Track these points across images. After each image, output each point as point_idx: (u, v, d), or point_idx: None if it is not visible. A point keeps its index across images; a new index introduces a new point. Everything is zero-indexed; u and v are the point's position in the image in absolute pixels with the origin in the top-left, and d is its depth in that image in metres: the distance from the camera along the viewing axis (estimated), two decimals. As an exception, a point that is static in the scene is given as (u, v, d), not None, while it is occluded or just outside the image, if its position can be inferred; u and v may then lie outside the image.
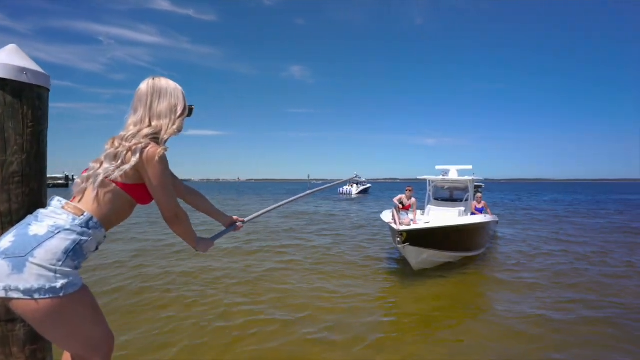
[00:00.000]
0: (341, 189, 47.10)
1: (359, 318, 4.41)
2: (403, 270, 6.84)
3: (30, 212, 1.43)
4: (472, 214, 9.47)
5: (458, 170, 10.71)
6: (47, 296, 1.07)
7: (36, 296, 1.06)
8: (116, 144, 1.26)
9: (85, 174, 1.26)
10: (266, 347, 3.60)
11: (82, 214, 1.19)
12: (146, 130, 1.28)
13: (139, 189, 1.28)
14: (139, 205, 1.35)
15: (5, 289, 1.05)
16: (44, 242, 1.10)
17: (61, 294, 1.10)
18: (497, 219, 10.36)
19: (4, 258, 1.07)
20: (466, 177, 10.11)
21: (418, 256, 6.47)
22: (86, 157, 1.35)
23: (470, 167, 10.76)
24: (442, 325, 4.36)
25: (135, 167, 1.24)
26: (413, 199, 7.81)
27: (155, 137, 1.30)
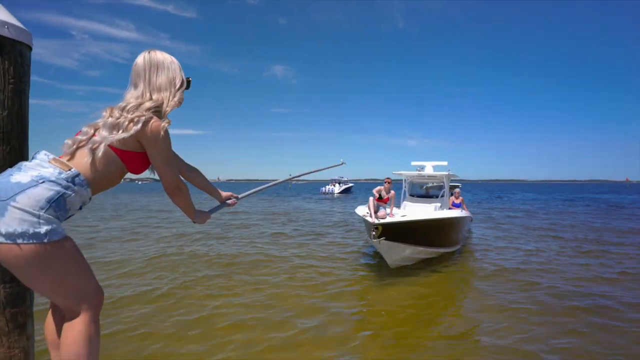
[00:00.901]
0: (323, 188, 47.47)
1: (325, 328, 3.96)
2: (378, 268, 6.45)
3: (12, 171, 1.41)
4: (449, 209, 9.27)
5: (434, 166, 10.53)
6: (30, 241, 1.05)
7: (19, 241, 1.03)
8: (116, 114, 1.24)
9: (78, 137, 1.24)
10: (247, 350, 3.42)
11: (69, 170, 1.16)
12: (148, 104, 1.28)
13: (134, 158, 1.27)
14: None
15: None
16: (27, 189, 1.06)
17: (45, 240, 1.07)
18: (471, 216, 10.28)
19: None
20: (442, 173, 9.88)
21: (394, 252, 6.03)
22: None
23: (445, 163, 10.53)
24: (413, 341, 3.76)
25: (136, 137, 1.23)
26: (392, 192, 7.31)
27: (156, 111, 1.30)
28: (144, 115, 1.23)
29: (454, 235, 7.62)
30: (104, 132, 1.22)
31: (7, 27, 1.34)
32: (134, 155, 1.26)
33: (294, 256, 7.59)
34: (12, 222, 1.03)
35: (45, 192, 1.08)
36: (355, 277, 6.06)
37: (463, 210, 8.93)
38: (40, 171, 1.12)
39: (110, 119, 1.23)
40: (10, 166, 1.39)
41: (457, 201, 9.69)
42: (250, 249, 8.28)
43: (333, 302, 4.81)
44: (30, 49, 1.47)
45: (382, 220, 5.79)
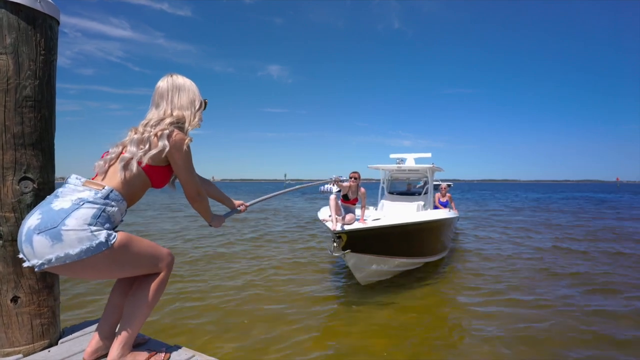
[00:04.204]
0: (322, 187, 47.84)
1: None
2: (347, 286, 5.25)
3: (42, 138, 1.49)
4: (435, 207, 8.14)
5: (415, 159, 9.18)
6: (97, 252, 1.16)
7: (87, 256, 1.15)
8: (140, 129, 1.34)
9: (107, 157, 1.32)
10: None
11: (103, 188, 1.25)
12: (169, 119, 1.37)
13: (158, 172, 1.36)
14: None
15: (58, 259, 1.12)
16: (71, 212, 1.15)
17: (109, 245, 1.19)
18: (458, 215, 8.99)
19: (39, 233, 1.11)
20: (425, 166, 8.41)
21: (364, 266, 4.82)
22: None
23: (429, 154, 9.17)
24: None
25: (163, 152, 1.33)
26: (362, 190, 5.59)
27: (178, 127, 1.39)
28: (166, 129, 1.33)
29: (440, 241, 6.45)
30: (132, 148, 1.31)
31: (40, 2, 1.42)
32: (158, 169, 1.36)
33: (254, 267, 6.46)
34: (73, 243, 1.12)
35: (88, 211, 1.18)
36: (321, 293, 4.99)
37: (451, 210, 7.67)
38: (77, 195, 1.20)
39: (135, 135, 1.33)
40: (41, 132, 1.48)
41: (444, 199, 8.37)
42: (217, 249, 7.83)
43: (292, 325, 3.92)
44: (58, 23, 1.55)
45: (345, 227, 4.52)
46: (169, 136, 1.31)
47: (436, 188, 9.18)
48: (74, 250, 1.12)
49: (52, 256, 1.11)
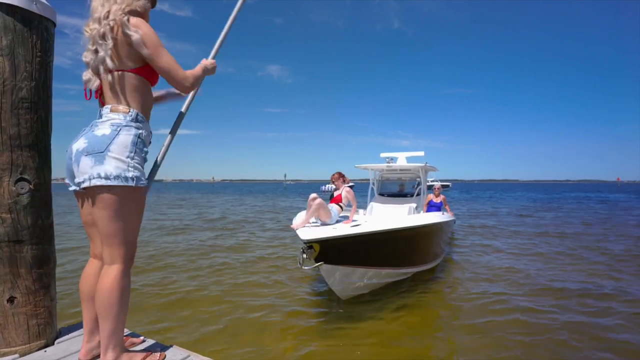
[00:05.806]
0: (324, 187, 47.82)
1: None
2: (328, 298, 4.62)
3: (39, 139, 1.51)
4: (429, 209, 7.68)
5: (407, 157, 8.66)
6: (120, 183, 1.23)
7: (113, 182, 1.22)
8: (95, 25, 1.28)
9: (90, 70, 1.33)
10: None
11: (129, 111, 1.32)
12: (115, 7, 1.29)
13: (149, 69, 1.36)
14: None
15: (90, 178, 1.22)
16: (114, 138, 1.25)
17: (131, 184, 1.26)
18: (454, 218, 8.23)
19: (86, 155, 1.23)
20: (417, 165, 7.83)
21: (343, 279, 4.19)
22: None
23: (422, 153, 8.68)
24: None
25: (134, 46, 1.28)
26: (346, 188, 4.87)
27: (130, 11, 1.33)
28: (124, 16, 1.28)
29: (432, 248, 5.77)
30: (100, 52, 1.27)
31: (35, 3, 1.43)
32: (148, 67, 1.35)
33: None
34: (109, 167, 1.23)
35: (127, 137, 1.28)
36: (299, 302, 4.45)
37: (445, 213, 7.04)
38: (112, 120, 1.29)
39: (94, 32, 1.28)
40: (37, 134, 1.49)
41: (437, 200, 7.75)
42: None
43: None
44: (55, 24, 1.56)
45: (316, 236, 3.73)
46: (124, 24, 1.26)
47: (430, 188, 8.65)
48: (104, 172, 1.21)
49: (87, 175, 1.22)
